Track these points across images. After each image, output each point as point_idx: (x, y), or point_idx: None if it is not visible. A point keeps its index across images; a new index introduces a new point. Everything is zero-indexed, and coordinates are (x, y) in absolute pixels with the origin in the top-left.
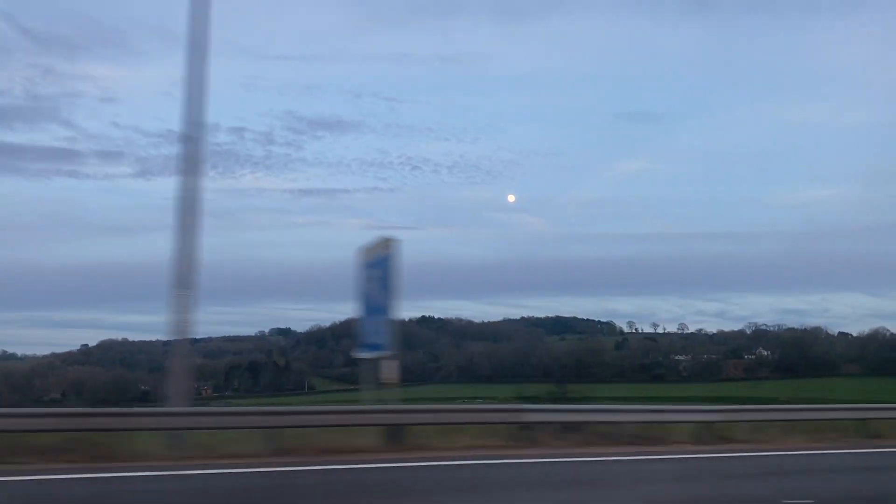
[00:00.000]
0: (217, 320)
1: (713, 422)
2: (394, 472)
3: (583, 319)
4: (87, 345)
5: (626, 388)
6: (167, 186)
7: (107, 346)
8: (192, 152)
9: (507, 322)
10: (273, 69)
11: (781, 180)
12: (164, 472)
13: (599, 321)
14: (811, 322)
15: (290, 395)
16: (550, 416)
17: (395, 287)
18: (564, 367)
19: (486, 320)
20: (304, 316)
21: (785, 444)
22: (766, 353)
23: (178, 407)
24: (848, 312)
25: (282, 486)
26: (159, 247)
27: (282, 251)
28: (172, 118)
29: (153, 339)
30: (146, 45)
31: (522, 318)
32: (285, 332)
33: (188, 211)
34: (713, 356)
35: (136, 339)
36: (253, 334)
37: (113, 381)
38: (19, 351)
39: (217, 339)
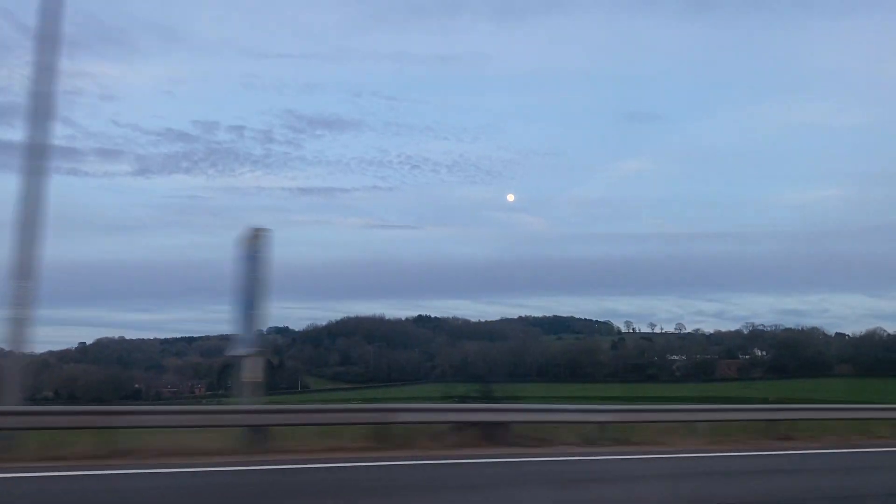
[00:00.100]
0: (216, 319)
1: (607, 422)
2: (244, 475)
3: (580, 319)
4: (84, 343)
5: (617, 389)
6: (167, 185)
7: (103, 345)
8: (37, 145)
9: (505, 321)
10: (273, 67)
11: (781, 181)
12: None
13: (597, 321)
14: (810, 323)
15: (283, 395)
16: (423, 416)
17: (264, 281)
18: (557, 366)
19: (482, 319)
20: (302, 315)
21: (682, 446)
22: (760, 353)
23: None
24: (847, 313)
25: (108, 490)
26: (158, 245)
27: (281, 250)
28: (172, 116)
29: (150, 338)
30: (146, 44)
31: (520, 317)
32: (283, 331)
33: (31, 204)
34: (708, 356)
35: (133, 338)
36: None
37: (106, 379)
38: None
39: (215, 337)
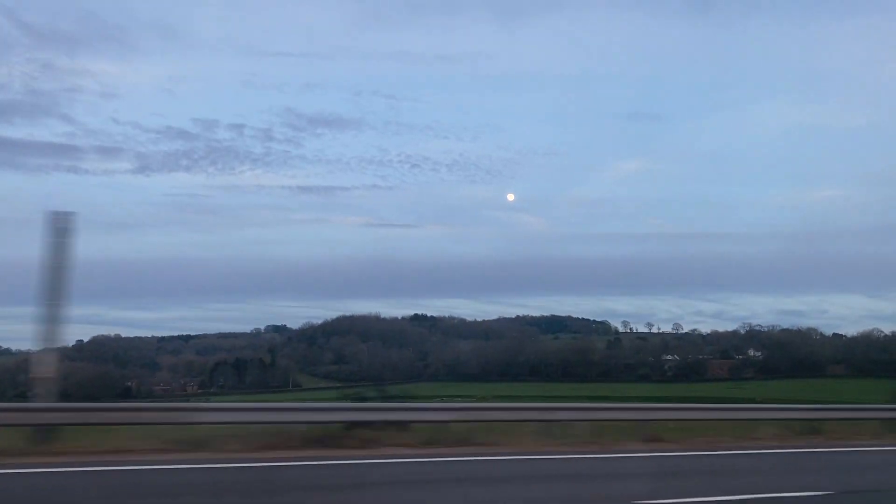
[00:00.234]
0: (214, 317)
1: (448, 421)
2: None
3: (577, 319)
4: (82, 340)
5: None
6: (166, 183)
7: (99, 342)
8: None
9: (502, 321)
10: (273, 66)
11: (781, 181)
12: None
13: (594, 321)
14: (809, 323)
15: (274, 393)
16: (216, 417)
17: (68, 271)
18: (550, 365)
19: (479, 319)
20: (301, 313)
21: (530, 448)
22: (755, 353)
23: None
24: (846, 314)
25: None
26: (158, 243)
27: (281, 248)
28: (172, 114)
29: (148, 336)
30: (146, 42)
31: (517, 316)
32: (281, 330)
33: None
34: (702, 356)
35: (130, 335)
36: (248, 331)
37: (99, 377)
38: (14, 346)
39: (212, 335)
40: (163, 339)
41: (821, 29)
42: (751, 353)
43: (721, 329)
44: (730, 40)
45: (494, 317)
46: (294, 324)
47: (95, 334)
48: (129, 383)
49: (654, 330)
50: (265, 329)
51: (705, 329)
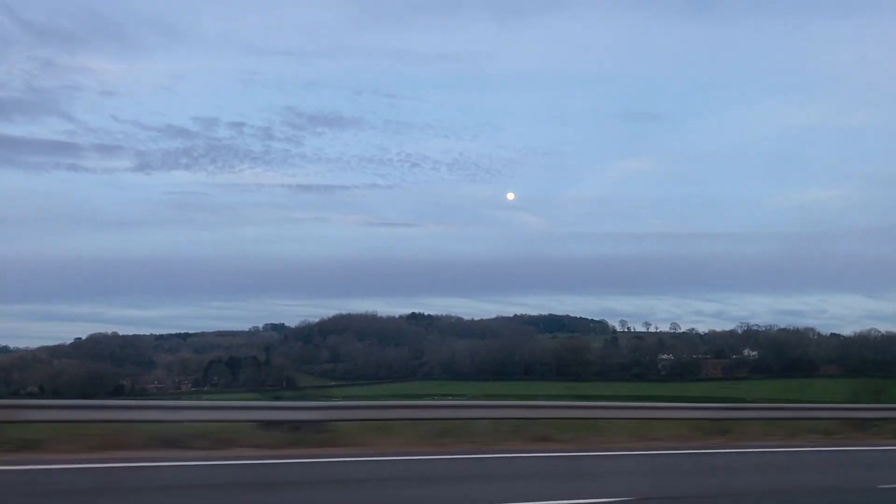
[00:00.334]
0: (213, 315)
1: (316, 420)
2: None
3: (576, 318)
4: (80, 338)
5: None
6: (166, 181)
7: (96, 340)
8: None
9: (499, 320)
10: (273, 64)
11: (781, 181)
12: None
13: (592, 320)
14: (808, 323)
15: (268, 391)
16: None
17: None
18: (544, 364)
19: (476, 318)
20: (300, 312)
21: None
22: (750, 353)
23: None
24: (845, 314)
25: None
26: (157, 241)
27: (280, 247)
28: (172, 113)
29: (145, 334)
30: (146, 39)
31: (515, 315)
32: (279, 328)
33: None
34: (698, 356)
35: (128, 333)
36: (247, 329)
37: (90, 375)
38: (12, 344)
39: (210, 333)
40: (161, 337)
41: (820, 29)
42: (746, 352)
43: (719, 329)
44: (730, 40)
45: (493, 316)
46: (293, 322)
47: (93, 332)
48: (123, 381)
49: (652, 329)
50: (264, 327)
51: (703, 329)
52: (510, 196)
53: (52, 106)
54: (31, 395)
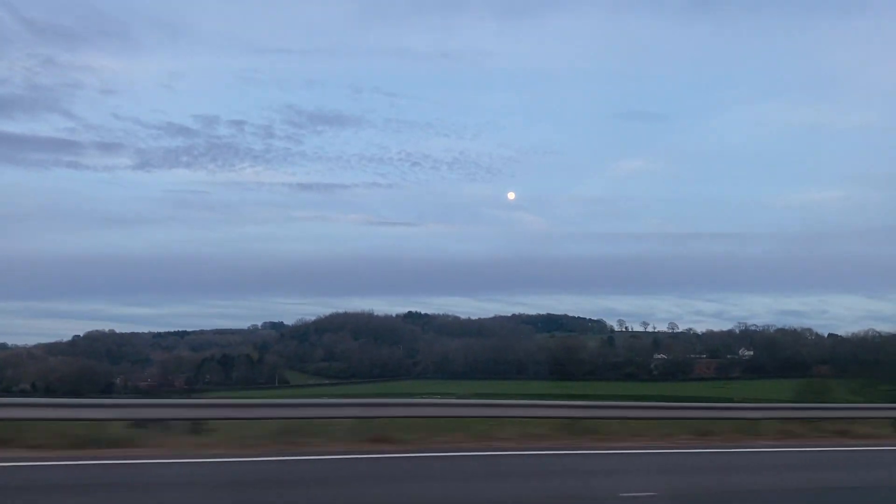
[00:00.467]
0: (213, 313)
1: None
2: None
3: (574, 317)
4: (78, 335)
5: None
6: (167, 179)
7: (93, 338)
8: None
9: (497, 319)
10: (274, 62)
11: (781, 181)
12: None
13: (590, 319)
14: (808, 324)
15: (260, 390)
16: None
17: None
18: (537, 363)
19: (473, 317)
20: (299, 310)
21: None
22: (746, 353)
23: None
24: (845, 314)
25: None
26: (157, 239)
27: (280, 245)
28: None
29: (143, 332)
30: (147, 37)
31: (513, 315)
32: (278, 326)
33: None
34: (693, 356)
35: (127, 331)
36: (246, 328)
37: (83, 372)
38: (10, 341)
39: (209, 332)
40: (158, 334)
41: (821, 29)
42: (742, 352)
43: (718, 329)
44: (730, 40)
45: (491, 315)
46: (291, 321)
47: (90, 329)
48: (115, 379)
49: (650, 329)
50: (263, 326)
51: (701, 329)
52: (511, 195)
53: (53, 103)
54: (22, 393)
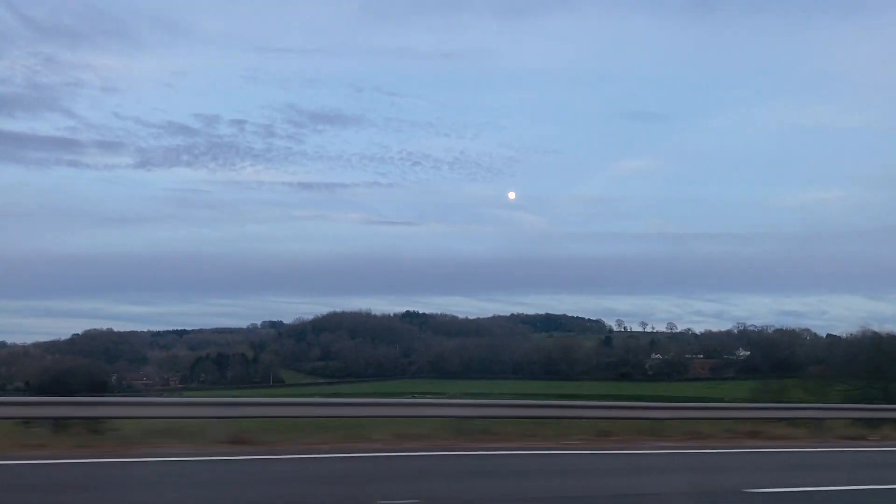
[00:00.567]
0: (212, 312)
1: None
2: None
3: (572, 317)
4: (77, 334)
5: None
6: (167, 178)
7: (91, 336)
8: None
9: (496, 319)
10: (275, 62)
11: (782, 182)
12: None
13: (589, 319)
14: (808, 324)
15: (255, 388)
16: None
17: None
18: (533, 363)
19: (471, 316)
20: (299, 309)
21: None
22: (742, 353)
23: None
24: (845, 315)
25: None
26: (158, 238)
27: (281, 244)
28: (174, 109)
29: (142, 330)
30: (148, 36)
31: (511, 314)
32: (277, 325)
33: None
34: (689, 356)
35: (126, 330)
36: (245, 327)
37: (78, 370)
38: (9, 339)
39: (207, 330)
40: (157, 333)
41: (821, 29)
42: (739, 352)
43: (717, 329)
44: (731, 40)
45: (490, 315)
46: (291, 320)
47: (89, 328)
48: (108, 378)
49: (648, 329)
50: (261, 325)
51: (700, 329)
52: (511, 195)
53: (54, 102)
54: (17, 391)
